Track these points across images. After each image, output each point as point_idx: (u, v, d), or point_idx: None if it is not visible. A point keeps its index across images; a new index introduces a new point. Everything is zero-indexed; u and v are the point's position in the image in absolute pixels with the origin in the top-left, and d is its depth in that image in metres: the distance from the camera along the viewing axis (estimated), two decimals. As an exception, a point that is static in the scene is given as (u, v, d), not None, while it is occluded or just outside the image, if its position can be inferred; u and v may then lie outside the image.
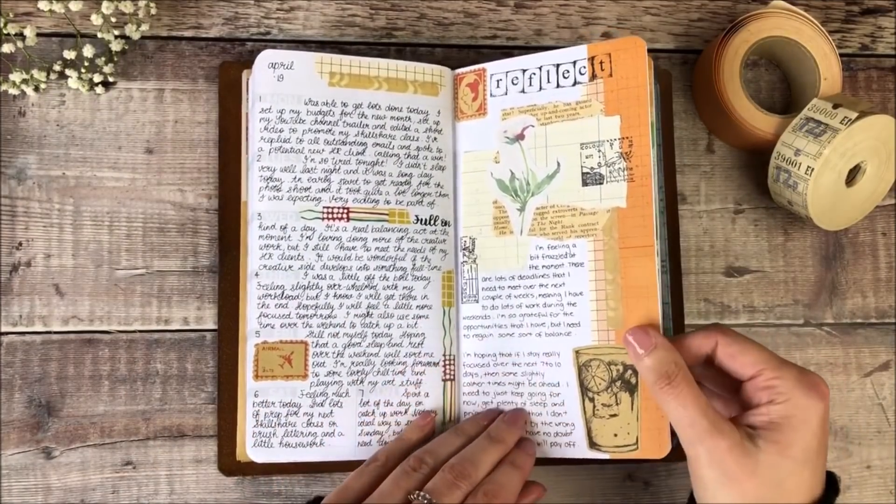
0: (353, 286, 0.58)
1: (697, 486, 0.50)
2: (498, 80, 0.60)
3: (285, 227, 0.58)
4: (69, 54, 0.60)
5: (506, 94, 0.60)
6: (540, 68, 0.59)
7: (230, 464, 0.58)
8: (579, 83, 0.58)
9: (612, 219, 0.56)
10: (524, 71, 0.60)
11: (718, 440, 0.48)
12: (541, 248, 0.58)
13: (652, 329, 0.53)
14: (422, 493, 0.50)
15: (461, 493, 0.51)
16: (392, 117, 0.60)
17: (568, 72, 0.58)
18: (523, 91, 0.59)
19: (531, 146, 0.59)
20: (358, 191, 0.59)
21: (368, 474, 0.53)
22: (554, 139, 0.58)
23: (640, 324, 0.54)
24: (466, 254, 0.60)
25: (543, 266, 0.58)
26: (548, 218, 0.58)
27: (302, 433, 0.57)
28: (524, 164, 0.59)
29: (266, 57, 0.58)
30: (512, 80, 0.60)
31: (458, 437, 0.55)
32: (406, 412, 0.58)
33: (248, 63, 0.60)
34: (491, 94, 0.60)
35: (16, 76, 0.59)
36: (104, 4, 0.59)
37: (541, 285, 0.58)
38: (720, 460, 0.48)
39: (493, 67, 0.60)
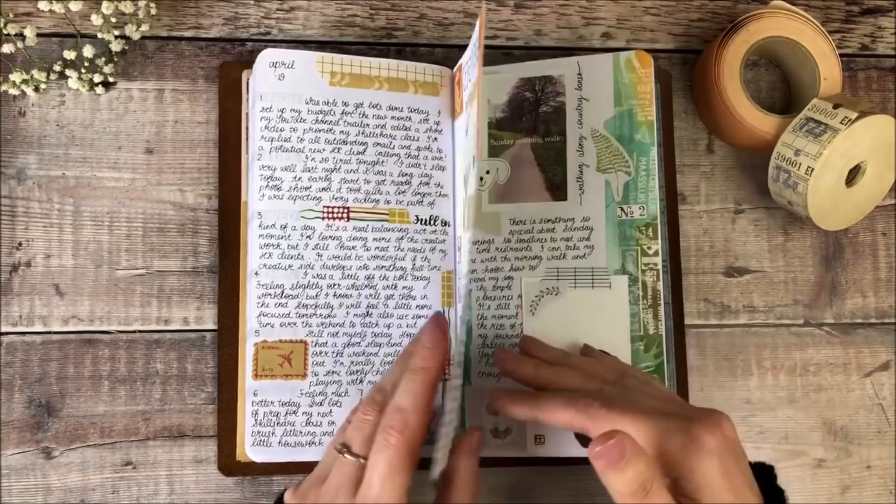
0: (352, 286, 0.58)
1: None
2: (465, 73, 0.59)
3: (285, 227, 0.58)
4: (69, 54, 0.60)
5: (466, 85, 0.59)
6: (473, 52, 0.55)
7: (230, 464, 0.58)
8: (476, 59, 0.53)
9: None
10: (468, 60, 0.58)
11: None
12: (470, 242, 0.56)
13: (623, 436, 0.42)
14: (338, 445, 0.48)
15: (370, 427, 0.47)
16: (393, 117, 0.60)
17: (475, 48, 0.54)
18: (470, 80, 0.57)
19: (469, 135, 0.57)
20: (358, 190, 0.59)
21: None
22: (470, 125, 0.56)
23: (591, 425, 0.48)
24: (460, 254, 0.60)
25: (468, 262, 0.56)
26: (465, 209, 0.57)
27: (301, 432, 0.57)
28: (463, 155, 0.58)
29: (267, 56, 0.58)
30: (467, 71, 0.58)
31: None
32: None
33: (248, 63, 0.60)
34: (464, 89, 0.59)
35: (16, 76, 0.59)
36: (104, 4, 0.59)
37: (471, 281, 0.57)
38: None
39: (463, 59, 0.59)
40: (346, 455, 0.47)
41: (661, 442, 0.45)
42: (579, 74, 0.61)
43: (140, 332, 0.60)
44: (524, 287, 0.59)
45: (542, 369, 0.53)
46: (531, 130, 0.61)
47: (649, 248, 0.59)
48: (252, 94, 0.59)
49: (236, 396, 0.58)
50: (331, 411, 0.57)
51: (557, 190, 0.60)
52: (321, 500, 0.47)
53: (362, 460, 0.47)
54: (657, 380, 0.52)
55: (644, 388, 0.50)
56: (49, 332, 0.59)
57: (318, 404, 0.57)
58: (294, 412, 0.57)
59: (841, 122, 0.59)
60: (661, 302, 0.59)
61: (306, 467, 0.58)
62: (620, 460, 0.42)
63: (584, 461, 0.60)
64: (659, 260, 0.59)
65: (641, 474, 0.42)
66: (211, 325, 0.60)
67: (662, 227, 0.61)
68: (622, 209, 0.59)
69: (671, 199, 0.64)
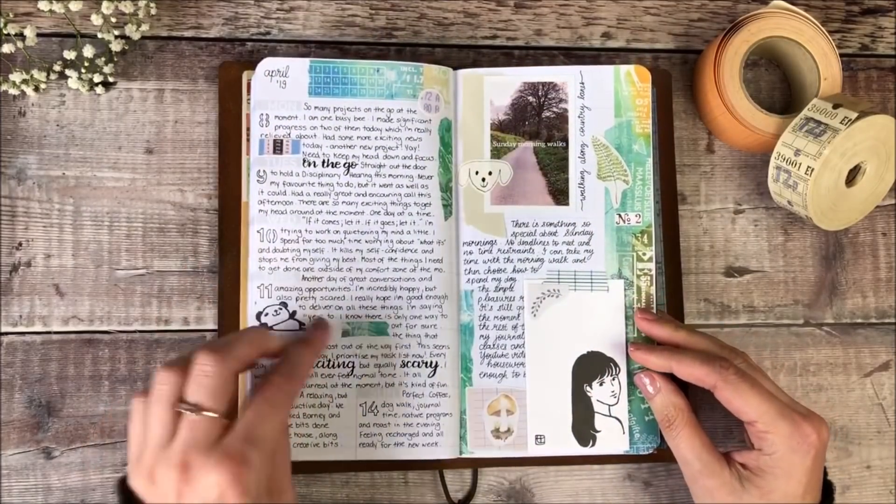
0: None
1: None
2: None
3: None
4: (69, 54, 0.60)
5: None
6: None
7: (230, 464, 0.58)
8: None
9: None
10: None
11: (708, 480, 0.54)
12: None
13: (656, 375, 0.57)
14: (183, 405, 0.46)
15: (213, 381, 0.46)
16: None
17: None
18: None
19: None
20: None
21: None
22: None
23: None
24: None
25: None
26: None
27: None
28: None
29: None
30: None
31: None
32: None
33: (249, 63, 0.60)
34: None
35: (16, 76, 0.59)
36: (104, 4, 0.59)
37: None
38: (711, 497, 0.54)
39: None
40: (201, 413, 0.46)
41: (772, 420, 0.53)
42: (582, 83, 0.62)
43: (140, 332, 0.60)
44: (526, 289, 0.60)
45: (681, 332, 0.58)
46: (534, 134, 0.61)
47: (644, 254, 0.61)
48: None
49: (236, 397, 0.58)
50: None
51: (560, 195, 0.61)
52: (177, 461, 0.45)
53: (214, 415, 0.46)
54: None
55: (763, 375, 0.56)
56: (49, 332, 0.59)
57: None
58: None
59: (841, 122, 0.59)
60: (655, 305, 0.61)
61: (306, 467, 0.58)
62: (647, 392, 0.57)
63: (585, 461, 0.60)
64: (653, 265, 0.60)
65: (665, 408, 0.56)
66: (211, 325, 0.60)
67: (657, 230, 0.62)
68: (620, 216, 0.61)
69: (671, 199, 0.64)
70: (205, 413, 0.46)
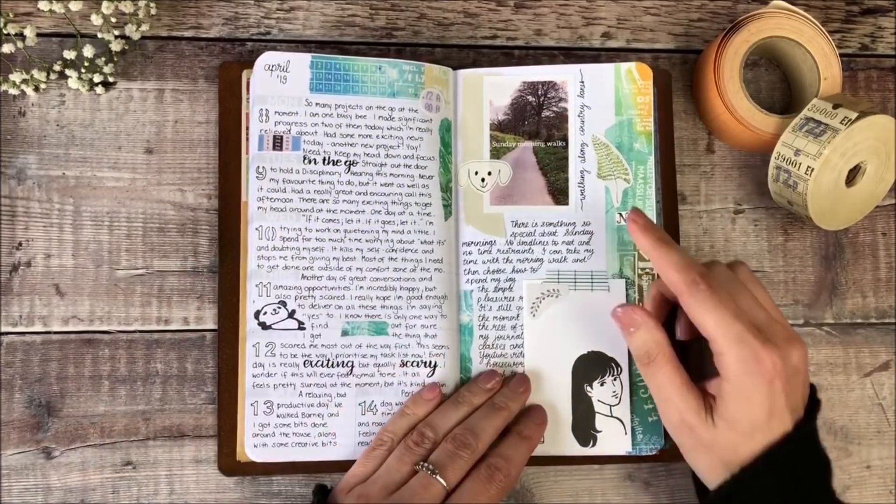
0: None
1: (682, 450, 0.54)
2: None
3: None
4: (69, 54, 0.60)
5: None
6: None
7: (230, 464, 0.58)
8: None
9: None
10: None
11: (690, 417, 0.52)
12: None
13: (639, 309, 0.54)
14: (426, 465, 0.52)
15: (464, 463, 0.53)
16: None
17: None
18: None
19: None
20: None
21: (375, 458, 0.54)
22: None
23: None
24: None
25: None
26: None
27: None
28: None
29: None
30: None
31: (460, 406, 0.56)
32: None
33: (248, 63, 0.60)
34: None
35: (16, 76, 0.59)
36: (104, 4, 0.59)
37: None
38: (690, 432, 0.52)
39: None
40: (438, 477, 0.52)
41: (729, 343, 0.50)
42: (582, 82, 0.62)
43: (140, 332, 0.60)
44: (526, 289, 0.60)
45: (667, 238, 0.55)
46: (533, 134, 0.61)
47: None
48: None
49: (236, 396, 0.58)
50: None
51: (559, 194, 0.61)
52: None
53: (446, 485, 0.52)
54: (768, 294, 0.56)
55: (752, 292, 0.53)
56: (49, 332, 0.59)
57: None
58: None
59: (841, 122, 0.59)
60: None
61: (306, 467, 0.58)
62: (629, 328, 0.54)
63: (584, 461, 0.60)
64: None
65: (646, 344, 0.53)
66: (211, 325, 0.60)
67: (659, 229, 0.62)
68: (621, 215, 0.61)
69: (671, 199, 0.64)
70: (439, 479, 0.52)
